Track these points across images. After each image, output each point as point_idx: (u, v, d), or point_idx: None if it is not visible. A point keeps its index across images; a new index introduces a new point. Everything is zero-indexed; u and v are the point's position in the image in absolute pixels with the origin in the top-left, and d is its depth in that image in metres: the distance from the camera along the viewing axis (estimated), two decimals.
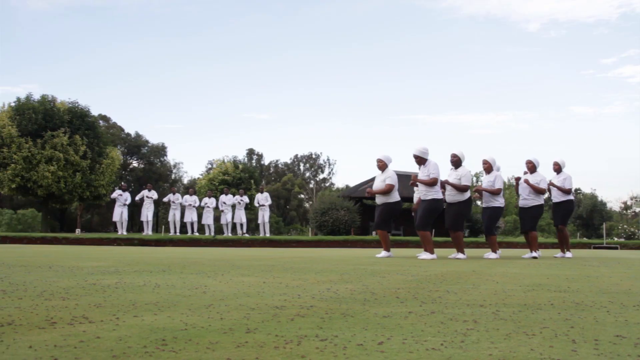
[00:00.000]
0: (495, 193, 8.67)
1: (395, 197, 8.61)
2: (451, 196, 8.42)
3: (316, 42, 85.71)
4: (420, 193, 8.41)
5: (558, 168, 9.31)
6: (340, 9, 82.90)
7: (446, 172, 8.79)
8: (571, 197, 9.25)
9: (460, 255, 8.22)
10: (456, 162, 8.40)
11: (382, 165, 8.68)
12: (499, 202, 8.76)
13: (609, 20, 75.02)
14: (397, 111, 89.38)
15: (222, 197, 20.52)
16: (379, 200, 8.68)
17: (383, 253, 8.44)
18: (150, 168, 51.11)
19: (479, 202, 9.99)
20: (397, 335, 1.75)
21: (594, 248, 20.46)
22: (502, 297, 2.93)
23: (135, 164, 51.40)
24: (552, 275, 4.62)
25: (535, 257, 8.56)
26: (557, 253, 9.58)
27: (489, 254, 8.55)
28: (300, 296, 2.86)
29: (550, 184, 9.14)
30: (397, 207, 8.66)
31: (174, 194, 19.82)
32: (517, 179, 9.07)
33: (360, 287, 3.45)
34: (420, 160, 8.29)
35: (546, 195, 9.41)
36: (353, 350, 1.52)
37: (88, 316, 2.05)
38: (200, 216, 20.95)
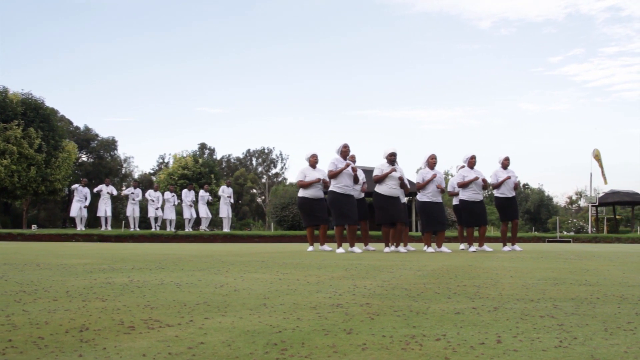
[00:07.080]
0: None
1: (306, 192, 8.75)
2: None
3: (269, 37, 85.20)
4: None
5: (507, 163, 9.62)
6: (293, 4, 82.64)
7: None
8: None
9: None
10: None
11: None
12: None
13: (556, 20, 77.59)
14: (350, 106, 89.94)
15: (184, 192, 20.15)
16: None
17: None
18: (100, 162, 49.62)
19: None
20: (502, 333, 1.71)
21: (548, 242, 21.08)
22: (539, 291, 2.93)
23: (84, 158, 49.79)
24: (555, 269, 4.69)
25: (474, 251, 8.81)
26: (506, 247, 9.58)
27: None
28: (338, 293, 2.79)
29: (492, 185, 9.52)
30: (304, 202, 8.76)
31: (134, 188, 19.32)
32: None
33: (382, 283, 3.41)
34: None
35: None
36: (483, 349, 1.47)
37: (158, 319, 1.92)
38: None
